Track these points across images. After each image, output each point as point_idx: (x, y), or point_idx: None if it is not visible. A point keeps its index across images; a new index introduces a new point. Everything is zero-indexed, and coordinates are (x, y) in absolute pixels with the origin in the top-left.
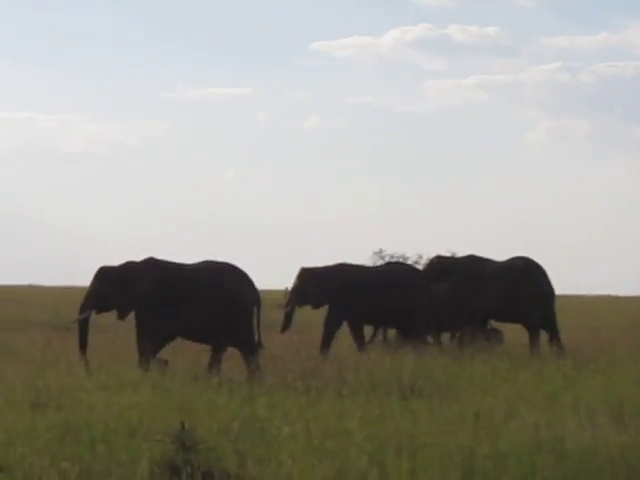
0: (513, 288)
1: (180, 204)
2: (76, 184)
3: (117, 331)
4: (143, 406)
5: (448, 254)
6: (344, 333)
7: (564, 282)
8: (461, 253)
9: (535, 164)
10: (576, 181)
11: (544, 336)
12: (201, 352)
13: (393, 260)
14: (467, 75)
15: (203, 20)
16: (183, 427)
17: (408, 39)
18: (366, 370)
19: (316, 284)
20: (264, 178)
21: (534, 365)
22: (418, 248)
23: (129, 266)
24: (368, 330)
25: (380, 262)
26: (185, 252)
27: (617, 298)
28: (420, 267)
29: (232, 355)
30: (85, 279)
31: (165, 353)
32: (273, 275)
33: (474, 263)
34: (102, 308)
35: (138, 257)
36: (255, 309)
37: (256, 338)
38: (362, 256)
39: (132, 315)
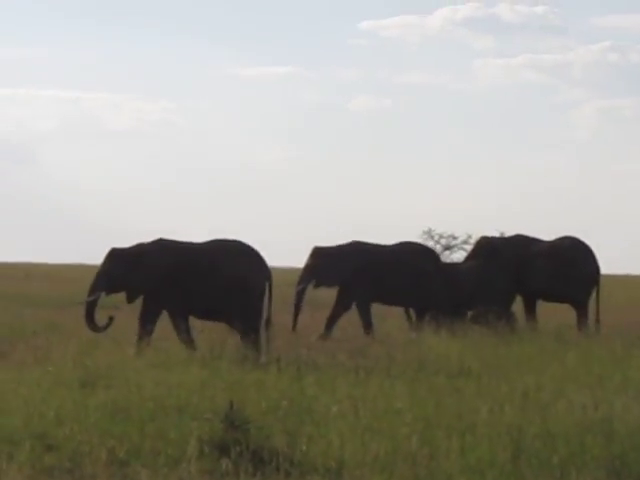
0: (560, 268)
1: (227, 183)
2: (123, 162)
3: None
4: (192, 385)
5: (497, 234)
6: (392, 313)
7: (613, 262)
8: (510, 233)
9: (583, 143)
10: (624, 160)
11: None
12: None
13: (442, 240)
14: (515, 54)
15: None
16: (232, 406)
17: (457, 18)
18: (414, 349)
19: (330, 263)
20: (311, 157)
21: (582, 345)
22: (467, 228)
23: (140, 247)
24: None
25: (430, 242)
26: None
27: None
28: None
29: (280, 334)
30: None
31: (214, 331)
32: None
33: (520, 243)
34: (112, 289)
35: (190, 237)
36: (266, 287)
37: (266, 316)
38: (412, 235)
39: None
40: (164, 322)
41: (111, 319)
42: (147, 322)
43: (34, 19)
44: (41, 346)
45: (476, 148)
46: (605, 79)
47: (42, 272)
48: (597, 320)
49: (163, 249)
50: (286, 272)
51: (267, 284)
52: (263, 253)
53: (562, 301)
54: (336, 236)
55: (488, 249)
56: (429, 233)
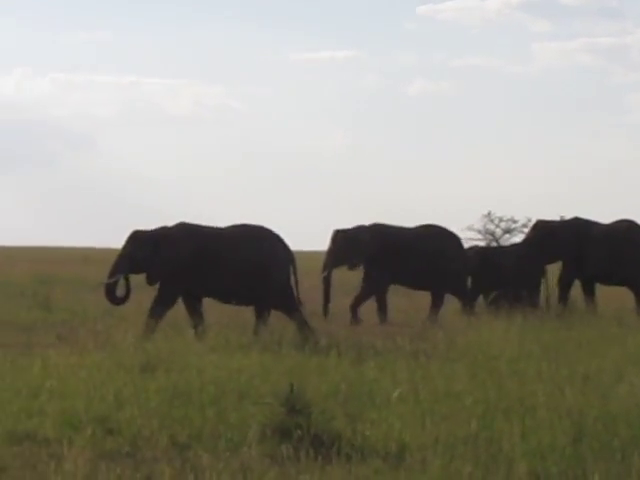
0: (618, 251)
1: (287, 168)
2: (182, 148)
3: None
4: (252, 369)
5: (558, 218)
6: (452, 298)
7: None
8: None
9: (638, 127)
10: None
11: None
12: (310, 316)
13: (502, 224)
14: (572, 38)
15: None
16: (292, 390)
17: (514, 1)
18: (475, 333)
19: (350, 245)
20: (371, 142)
21: None
22: (528, 211)
23: (162, 231)
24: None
25: (490, 226)
26: (290, 215)
27: None
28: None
29: (337, 319)
30: None
31: (273, 317)
32: None
33: (578, 226)
34: (133, 271)
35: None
36: (291, 270)
37: (294, 296)
38: (472, 218)
39: None
40: (220, 307)
41: (128, 290)
42: (162, 304)
43: (93, 4)
44: (101, 331)
45: (535, 131)
46: None
47: (101, 257)
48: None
49: (185, 233)
50: None
51: (291, 267)
52: (322, 238)
53: (621, 284)
54: (396, 221)
55: (544, 232)
56: (489, 216)
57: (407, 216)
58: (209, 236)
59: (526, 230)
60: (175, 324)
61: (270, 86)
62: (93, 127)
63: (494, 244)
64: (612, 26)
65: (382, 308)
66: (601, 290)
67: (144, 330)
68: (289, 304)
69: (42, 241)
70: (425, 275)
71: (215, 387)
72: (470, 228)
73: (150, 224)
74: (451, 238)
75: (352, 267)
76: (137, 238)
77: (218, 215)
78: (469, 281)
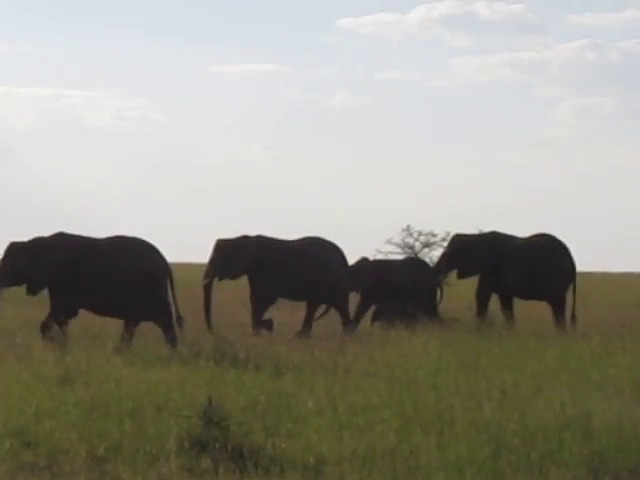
0: (535, 265)
1: (208, 180)
2: (101, 159)
3: None
4: (171, 382)
5: (475, 231)
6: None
7: (590, 260)
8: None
9: (560, 141)
10: (601, 158)
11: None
12: (227, 329)
13: (421, 237)
14: (493, 52)
15: None
16: (210, 403)
17: (434, 15)
18: (393, 347)
19: (230, 255)
20: (291, 155)
21: (561, 342)
22: (447, 226)
23: (40, 241)
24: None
25: (410, 239)
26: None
27: None
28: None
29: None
30: None
31: (192, 329)
32: None
33: (495, 240)
34: (14, 283)
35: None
36: (167, 283)
37: (174, 311)
38: (391, 232)
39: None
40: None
41: None
42: (59, 315)
43: (13, 15)
44: (19, 343)
45: (455, 145)
46: (582, 77)
47: None
48: (573, 317)
49: (63, 243)
50: None
51: (168, 280)
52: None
53: (539, 298)
54: (313, 234)
55: (462, 246)
56: (408, 230)
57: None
58: (86, 246)
59: (445, 244)
60: (94, 336)
61: (191, 98)
62: (13, 139)
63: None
64: (533, 41)
65: (265, 324)
66: (519, 304)
67: (58, 345)
68: (164, 317)
69: None
70: (308, 288)
71: (133, 400)
72: (389, 242)
73: (69, 231)
74: (334, 250)
75: (233, 277)
76: (14, 250)
77: (135, 224)
78: (358, 294)
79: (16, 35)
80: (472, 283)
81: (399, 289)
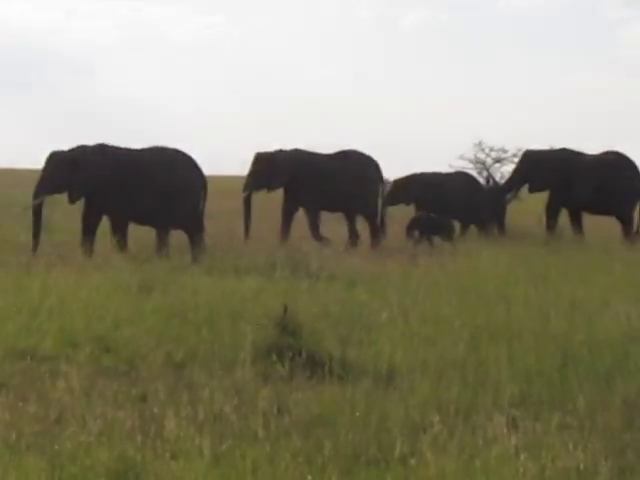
0: (605, 181)
1: (286, 97)
2: (184, 74)
3: (222, 217)
4: (246, 291)
5: (546, 148)
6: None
7: None
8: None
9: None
10: None
11: None
12: (302, 240)
13: (492, 153)
14: None
15: None
16: (285, 311)
17: None
18: (464, 260)
19: (274, 168)
20: (371, 73)
21: (629, 257)
22: (518, 141)
23: (80, 150)
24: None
25: (481, 155)
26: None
27: None
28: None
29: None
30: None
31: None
32: None
33: (565, 156)
34: (55, 191)
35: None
36: (202, 194)
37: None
38: (463, 147)
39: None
40: (222, 228)
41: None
42: (89, 225)
43: None
44: (100, 252)
45: (528, 64)
46: None
47: None
48: (638, 232)
49: (102, 154)
50: None
51: (202, 191)
52: None
53: (607, 213)
54: (379, 149)
55: (533, 162)
56: (480, 145)
57: (394, 142)
58: (125, 157)
59: (516, 159)
60: (172, 246)
61: (270, 16)
62: (93, 54)
63: (485, 173)
64: None
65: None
66: (588, 219)
67: (83, 252)
68: (196, 227)
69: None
70: (343, 199)
71: (210, 308)
72: (462, 157)
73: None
74: (369, 162)
75: (270, 189)
76: (55, 159)
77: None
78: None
79: None
80: (542, 198)
81: (447, 202)
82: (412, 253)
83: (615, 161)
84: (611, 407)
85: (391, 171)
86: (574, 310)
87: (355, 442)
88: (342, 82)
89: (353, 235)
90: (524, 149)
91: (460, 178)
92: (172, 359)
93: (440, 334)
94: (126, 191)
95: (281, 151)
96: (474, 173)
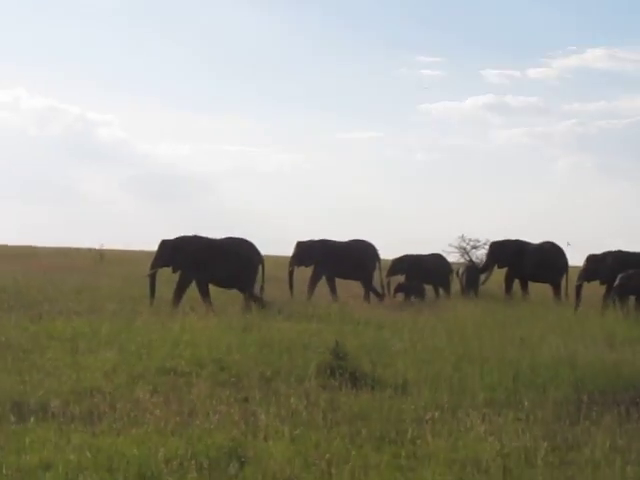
0: (544, 260)
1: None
2: (268, 195)
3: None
4: (312, 331)
5: (506, 239)
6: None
7: (578, 256)
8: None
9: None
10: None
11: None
12: (347, 295)
13: (470, 242)
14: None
15: None
16: (337, 344)
17: (479, 104)
18: (452, 311)
19: (308, 252)
20: (385, 190)
21: (558, 310)
22: (488, 234)
23: (182, 240)
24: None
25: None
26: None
27: None
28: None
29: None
30: None
31: (321, 297)
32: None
33: (518, 244)
34: (163, 266)
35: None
36: (260, 268)
37: (260, 284)
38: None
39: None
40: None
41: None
42: (182, 288)
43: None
44: (216, 308)
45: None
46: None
47: None
48: (566, 295)
49: (195, 241)
50: None
51: (260, 266)
52: None
53: (544, 282)
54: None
55: (496, 248)
56: (462, 237)
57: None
58: (209, 243)
59: (486, 246)
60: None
61: (327, 154)
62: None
63: (466, 256)
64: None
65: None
66: (532, 286)
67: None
68: (250, 289)
69: None
70: (350, 271)
71: (288, 341)
72: (450, 245)
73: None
74: (369, 247)
75: (307, 266)
76: (164, 244)
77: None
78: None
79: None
80: (502, 271)
81: (426, 274)
82: (402, 304)
83: (550, 247)
84: (546, 406)
85: (394, 252)
86: (522, 343)
87: (381, 429)
88: (370, 197)
89: (377, 294)
90: (491, 240)
91: (436, 257)
92: (264, 375)
93: (436, 359)
94: (209, 266)
95: (313, 240)
96: (458, 255)
